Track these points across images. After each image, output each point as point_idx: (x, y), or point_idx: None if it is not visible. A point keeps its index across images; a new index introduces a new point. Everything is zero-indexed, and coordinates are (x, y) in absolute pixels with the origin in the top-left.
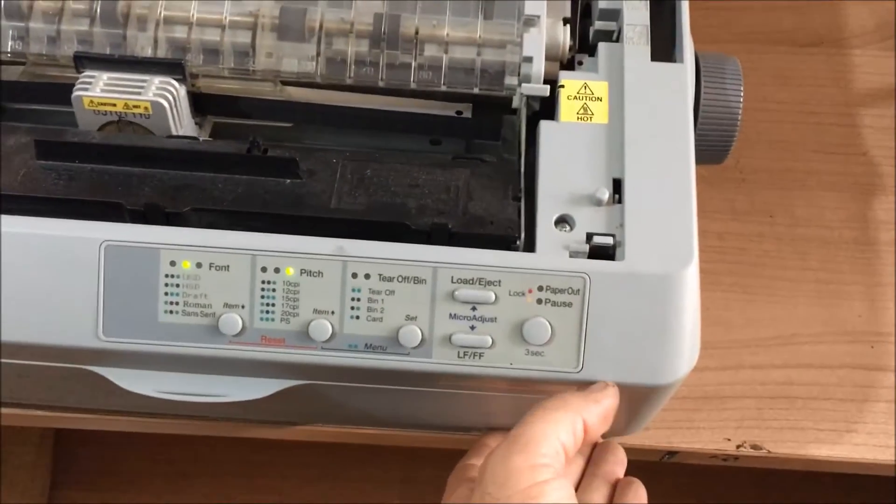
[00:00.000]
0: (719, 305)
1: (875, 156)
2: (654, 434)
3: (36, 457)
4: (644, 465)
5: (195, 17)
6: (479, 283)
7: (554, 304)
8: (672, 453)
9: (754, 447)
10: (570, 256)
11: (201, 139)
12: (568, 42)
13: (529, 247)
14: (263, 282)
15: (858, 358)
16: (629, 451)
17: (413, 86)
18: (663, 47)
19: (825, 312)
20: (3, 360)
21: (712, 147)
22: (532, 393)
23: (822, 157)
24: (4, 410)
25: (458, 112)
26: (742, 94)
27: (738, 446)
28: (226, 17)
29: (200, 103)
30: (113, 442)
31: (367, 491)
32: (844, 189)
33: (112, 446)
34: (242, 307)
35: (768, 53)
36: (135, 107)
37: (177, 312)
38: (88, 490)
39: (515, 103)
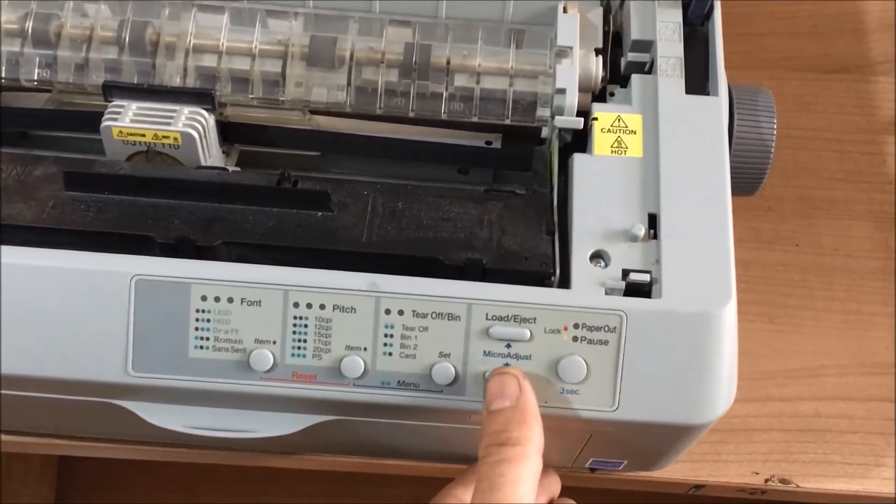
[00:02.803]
0: (745, 336)
1: None
2: (680, 467)
3: (40, 468)
4: (670, 499)
5: (224, 46)
6: (515, 321)
7: (590, 341)
8: (699, 486)
9: (783, 481)
10: (606, 293)
11: (230, 169)
12: (600, 73)
13: (564, 283)
14: (295, 317)
15: (886, 390)
16: (655, 483)
17: (444, 116)
18: (697, 79)
19: (852, 343)
20: (28, 393)
21: (744, 180)
22: (564, 431)
23: (848, 186)
24: (13, 438)
25: (488, 142)
26: (775, 127)
27: (766, 480)
28: (255, 46)
29: (228, 132)
30: None
31: None
32: (870, 218)
33: (116, 458)
34: (274, 343)
35: (792, 80)
36: (164, 137)
37: (207, 348)
38: (93, 496)
39: (545, 133)
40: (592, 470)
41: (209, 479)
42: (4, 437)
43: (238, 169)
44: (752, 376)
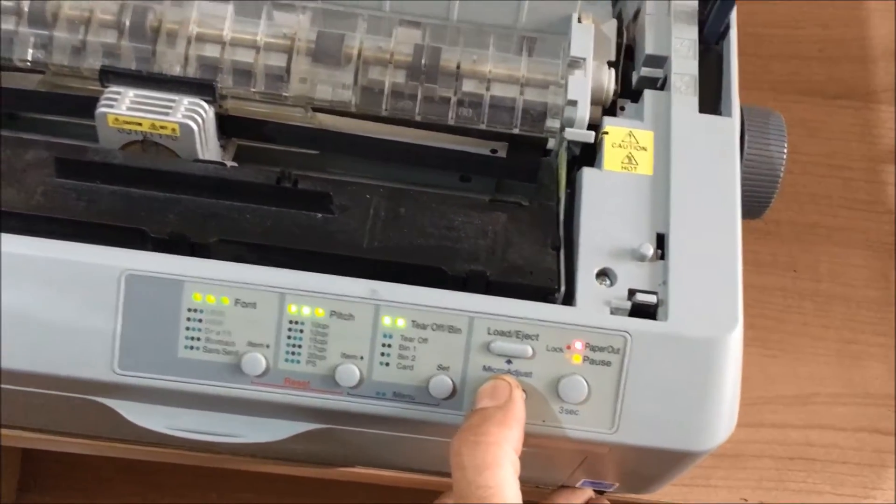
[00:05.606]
0: None
1: None
2: (669, 490)
3: (4, 460)
4: None
5: (228, 37)
6: (517, 336)
7: (592, 361)
8: None
9: None
10: (612, 313)
11: (228, 164)
12: (612, 86)
13: (568, 300)
14: (291, 322)
15: (877, 422)
16: None
17: (451, 122)
18: (709, 99)
19: (846, 373)
20: (10, 387)
21: (751, 203)
22: (559, 451)
23: (848, 213)
24: None
25: (493, 150)
26: (786, 150)
27: None
28: (260, 39)
29: (227, 125)
30: None
31: None
32: (869, 247)
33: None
34: (267, 347)
35: (797, 103)
36: (162, 127)
37: (198, 349)
38: (57, 495)
39: (551, 144)
40: None
41: (176, 475)
42: None
43: (235, 164)
44: (744, 401)
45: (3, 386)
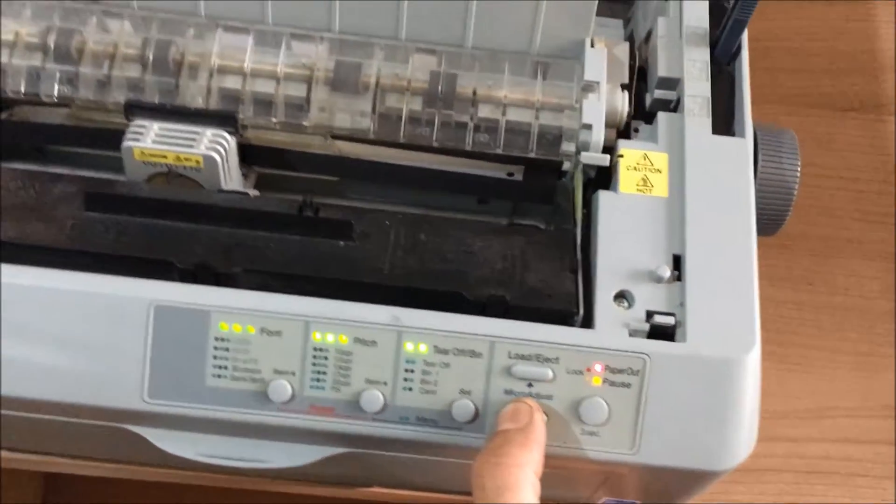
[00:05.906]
0: None
1: None
2: None
3: (28, 471)
4: None
5: (249, 68)
6: (538, 360)
7: (612, 384)
8: None
9: None
10: (630, 335)
11: (251, 193)
12: (626, 109)
13: (587, 322)
14: (316, 349)
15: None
16: None
17: (468, 147)
18: (722, 120)
19: (863, 385)
20: (42, 416)
21: (765, 221)
22: (581, 472)
23: (862, 226)
24: (9, 455)
25: (510, 174)
26: (799, 169)
27: None
28: (280, 69)
29: (248, 154)
30: None
31: None
32: (883, 259)
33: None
34: (293, 374)
35: (808, 116)
36: (186, 160)
37: (225, 377)
38: (80, 498)
39: (566, 166)
40: None
41: (201, 490)
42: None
43: (258, 193)
44: (762, 415)
45: (34, 415)
